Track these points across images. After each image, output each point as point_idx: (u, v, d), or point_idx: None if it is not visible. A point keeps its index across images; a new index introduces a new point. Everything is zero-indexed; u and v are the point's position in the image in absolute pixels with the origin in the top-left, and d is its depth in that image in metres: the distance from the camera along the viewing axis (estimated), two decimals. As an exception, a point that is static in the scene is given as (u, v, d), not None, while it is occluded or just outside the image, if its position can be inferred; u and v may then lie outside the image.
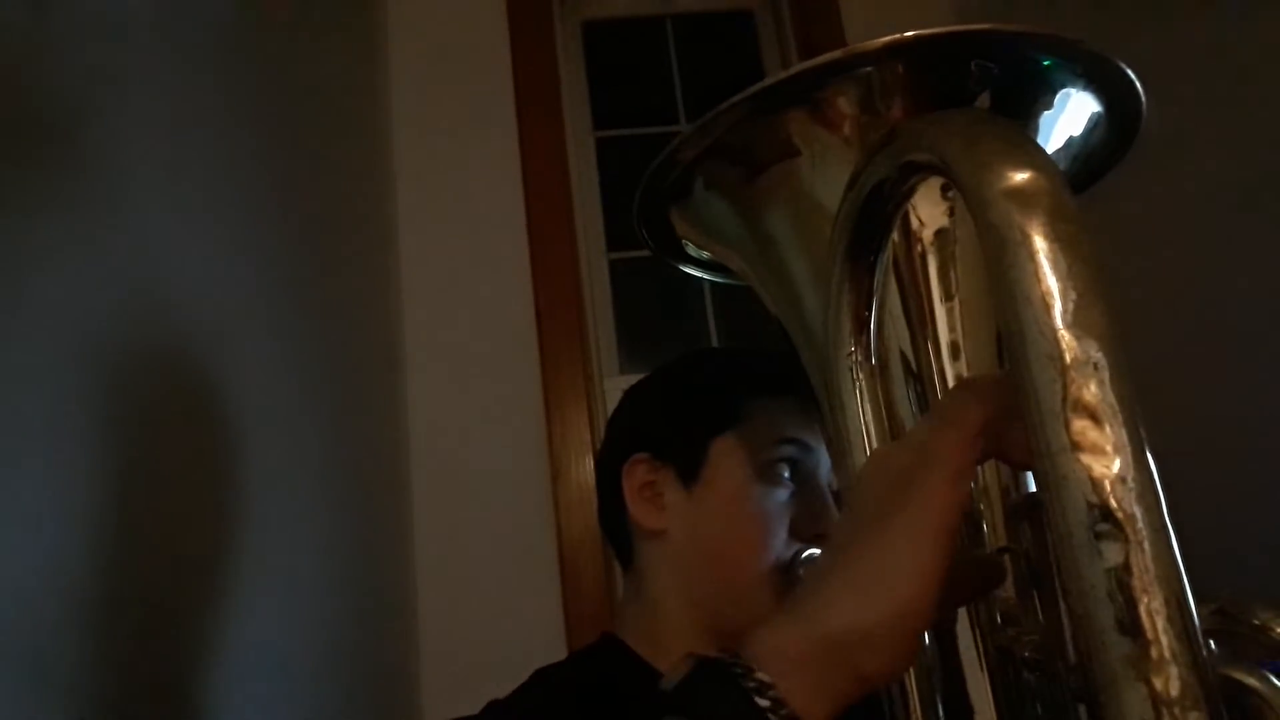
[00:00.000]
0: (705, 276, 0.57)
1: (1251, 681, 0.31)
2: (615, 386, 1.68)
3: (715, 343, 1.77)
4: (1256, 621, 0.32)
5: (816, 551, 0.72)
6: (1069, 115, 0.41)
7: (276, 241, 1.04)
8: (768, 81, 0.38)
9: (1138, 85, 0.40)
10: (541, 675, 0.75)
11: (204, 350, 0.81)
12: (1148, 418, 0.23)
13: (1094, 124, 0.42)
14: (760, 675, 0.33)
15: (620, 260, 1.78)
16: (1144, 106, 0.41)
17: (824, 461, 0.77)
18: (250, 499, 0.84)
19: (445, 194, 1.69)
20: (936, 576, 0.32)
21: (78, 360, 0.60)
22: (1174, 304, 1.22)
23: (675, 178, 0.45)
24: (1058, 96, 0.40)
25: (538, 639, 1.44)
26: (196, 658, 0.71)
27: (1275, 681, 0.31)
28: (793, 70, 0.37)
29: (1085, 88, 0.40)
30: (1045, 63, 0.38)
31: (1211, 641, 0.35)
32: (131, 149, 0.71)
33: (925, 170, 0.29)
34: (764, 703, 0.32)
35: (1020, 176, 0.24)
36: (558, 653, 1.40)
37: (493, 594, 1.49)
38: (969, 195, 0.25)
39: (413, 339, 1.61)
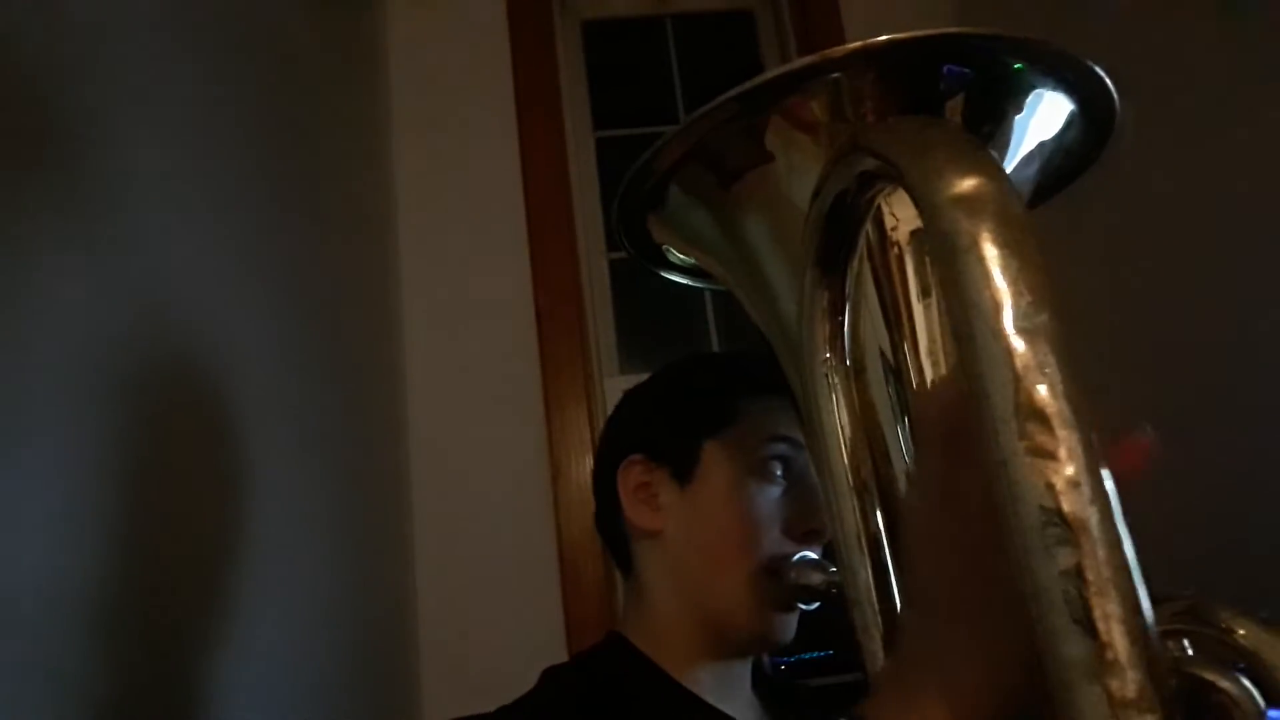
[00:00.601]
0: (686, 282, 0.57)
1: (1220, 681, 0.31)
2: (615, 386, 1.68)
3: (715, 343, 1.77)
4: (1222, 624, 0.32)
5: (809, 554, 0.72)
6: (1042, 117, 0.41)
7: (277, 241, 1.04)
8: (740, 88, 0.38)
9: (1110, 85, 0.40)
10: (550, 675, 0.76)
11: (207, 352, 0.81)
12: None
13: (1068, 125, 0.42)
14: None
15: (620, 260, 1.78)
16: (1117, 107, 0.41)
17: None
18: (252, 500, 0.84)
19: (445, 194, 1.69)
20: None
21: (82, 363, 0.60)
22: (1170, 303, 1.22)
23: (652, 185, 0.45)
24: (1030, 98, 0.40)
25: (538, 639, 1.44)
26: (199, 659, 0.71)
27: (1244, 682, 0.31)
28: (764, 77, 0.37)
29: (1058, 89, 0.40)
30: (1018, 66, 0.38)
31: (1185, 640, 0.35)
32: (134, 151, 0.71)
33: (879, 178, 0.29)
34: None
35: (968, 183, 0.24)
36: (558, 653, 1.41)
37: (493, 594, 1.49)
38: (919, 202, 0.25)
39: (412, 339, 1.62)
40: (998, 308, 0.23)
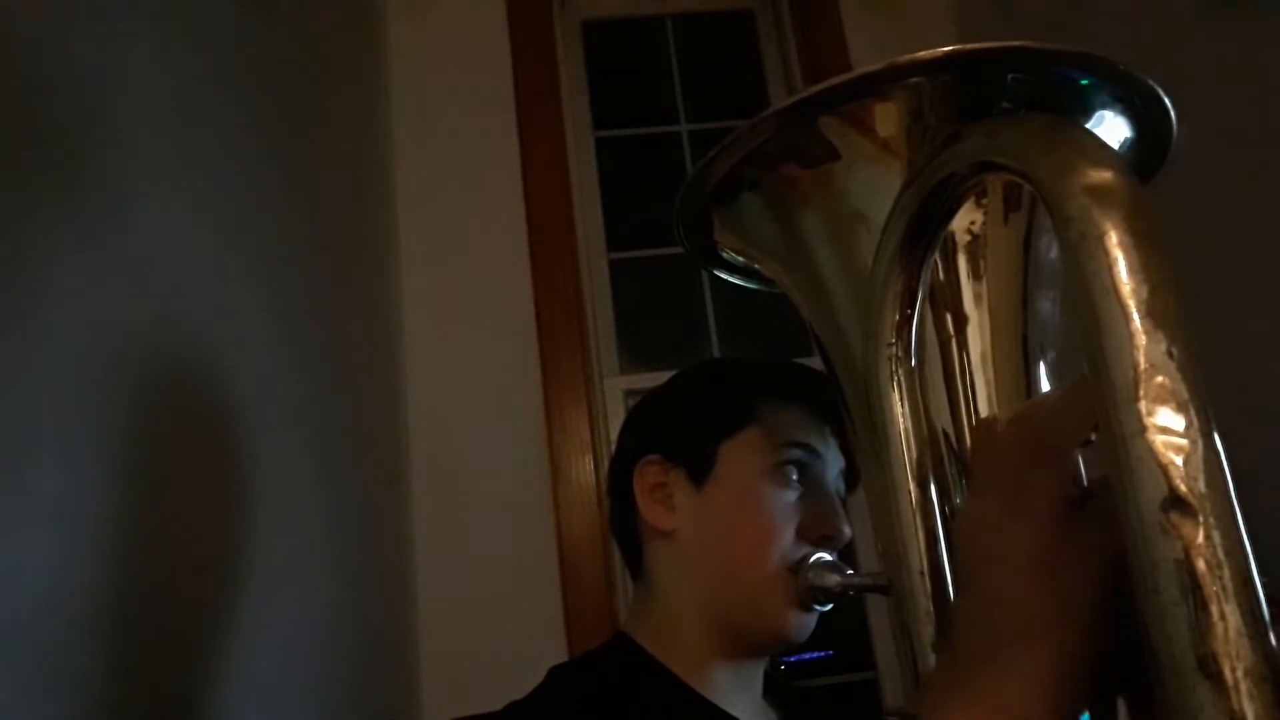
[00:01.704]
0: (738, 282, 0.58)
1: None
2: (615, 386, 1.69)
3: (715, 343, 1.78)
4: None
5: (825, 555, 0.73)
6: (1101, 134, 0.42)
7: (280, 243, 1.04)
8: (813, 90, 0.39)
9: (1171, 111, 0.41)
10: (557, 673, 0.76)
11: (211, 353, 0.81)
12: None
13: (1124, 146, 0.43)
14: None
15: (620, 260, 1.79)
16: (1175, 130, 0.42)
17: (832, 466, 0.78)
18: (254, 502, 0.84)
19: (445, 194, 1.69)
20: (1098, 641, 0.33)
21: (84, 367, 0.60)
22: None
23: (718, 180, 0.45)
24: (1093, 117, 0.41)
25: (538, 639, 1.45)
26: (202, 659, 0.71)
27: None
28: (843, 79, 0.38)
29: (1121, 110, 0.41)
30: (1084, 81, 0.39)
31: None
32: (137, 153, 0.71)
33: (998, 170, 0.30)
34: None
35: (1099, 176, 0.25)
36: (558, 652, 1.41)
37: (493, 594, 1.49)
38: (1047, 193, 0.26)
39: (413, 339, 1.61)
40: (1126, 294, 0.24)
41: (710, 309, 1.79)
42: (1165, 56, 1.21)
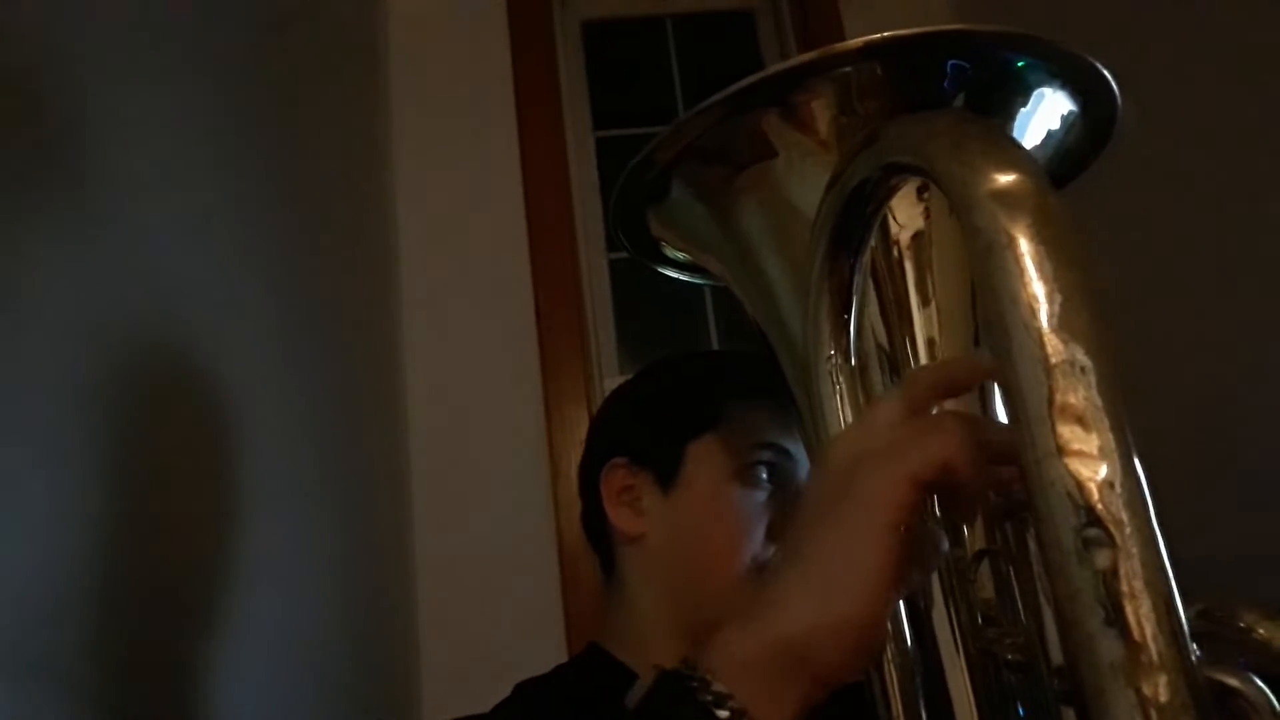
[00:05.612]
0: (683, 278, 0.57)
1: (1235, 683, 0.31)
2: (615, 386, 1.68)
3: (715, 343, 1.77)
4: (1241, 624, 0.31)
5: None
6: (1044, 115, 0.41)
7: (277, 241, 1.04)
8: (743, 83, 0.38)
9: (1114, 86, 0.40)
10: (521, 689, 0.75)
11: (205, 352, 0.80)
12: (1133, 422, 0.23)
13: (1069, 124, 0.42)
14: (718, 687, 0.33)
15: (620, 260, 1.78)
16: (1119, 107, 0.41)
17: (803, 465, 0.76)
18: (250, 500, 0.84)
19: (444, 195, 1.69)
20: (887, 574, 0.32)
21: (79, 362, 0.60)
22: (1150, 303, 1.21)
23: (652, 179, 0.44)
24: (1033, 96, 0.40)
25: (538, 639, 1.44)
26: (196, 659, 0.71)
27: (1259, 683, 0.31)
28: (768, 71, 0.37)
29: (1061, 88, 0.40)
30: (1021, 63, 0.38)
31: (1193, 644, 0.35)
32: (132, 148, 0.71)
33: (908, 172, 0.28)
34: (724, 714, 0.32)
35: (1005, 179, 0.24)
36: (558, 653, 1.41)
37: (493, 594, 1.48)
38: (954, 197, 0.25)
39: (412, 339, 1.61)
40: (1033, 306, 0.23)
41: (710, 309, 1.78)
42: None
